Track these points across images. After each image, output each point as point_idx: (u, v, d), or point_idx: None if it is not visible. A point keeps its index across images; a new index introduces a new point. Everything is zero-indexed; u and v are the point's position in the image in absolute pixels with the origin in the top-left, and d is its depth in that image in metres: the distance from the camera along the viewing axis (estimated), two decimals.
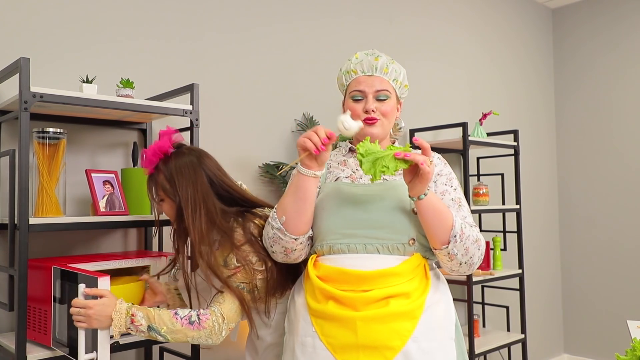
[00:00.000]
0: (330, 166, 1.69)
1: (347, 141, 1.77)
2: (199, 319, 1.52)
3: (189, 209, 1.55)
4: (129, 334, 1.54)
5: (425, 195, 1.41)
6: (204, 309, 1.56)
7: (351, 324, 1.39)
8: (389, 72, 1.63)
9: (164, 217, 1.93)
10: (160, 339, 1.51)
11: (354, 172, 1.63)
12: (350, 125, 1.47)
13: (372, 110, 1.58)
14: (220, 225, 1.56)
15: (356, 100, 1.62)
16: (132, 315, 1.49)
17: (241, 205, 1.67)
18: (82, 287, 1.49)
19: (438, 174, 1.61)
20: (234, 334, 1.84)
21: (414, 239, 1.48)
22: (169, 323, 1.50)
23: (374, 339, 1.38)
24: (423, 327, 1.41)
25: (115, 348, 1.71)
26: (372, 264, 1.45)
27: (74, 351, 1.51)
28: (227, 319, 1.55)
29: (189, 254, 1.66)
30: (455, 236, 1.42)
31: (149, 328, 1.50)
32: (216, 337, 1.54)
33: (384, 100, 1.61)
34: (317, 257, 1.55)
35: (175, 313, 1.52)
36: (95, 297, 1.48)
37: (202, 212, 1.56)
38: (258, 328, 1.71)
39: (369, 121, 1.59)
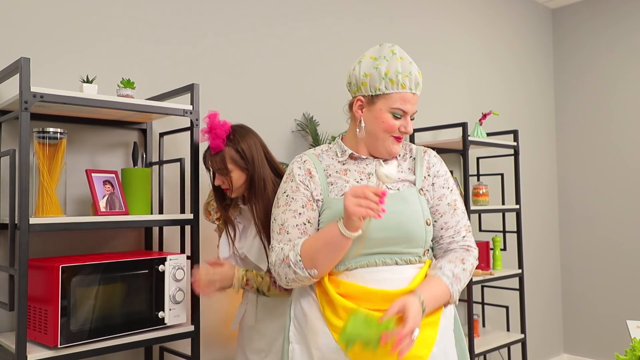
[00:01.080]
0: (330, 175, 1.57)
1: (341, 141, 1.64)
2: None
3: (261, 180, 1.90)
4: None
5: (424, 312, 1.39)
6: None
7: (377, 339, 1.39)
8: (421, 88, 1.58)
9: (165, 217, 1.94)
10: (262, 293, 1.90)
11: (358, 183, 1.55)
12: (393, 175, 1.39)
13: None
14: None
15: (396, 118, 1.53)
16: (247, 280, 1.88)
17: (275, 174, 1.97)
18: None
19: (436, 175, 1.59)
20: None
21: (428, 249, 1.54)
22: (270, 287, 1.89)
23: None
24: (441, 330, 1.48)
25: (116, 347, 1.73)
26: (392, 277, 1.46)
27: None
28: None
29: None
30: (455, 301, 1.51)
31: (257, 290, 1.90)
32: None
33: (413, 119, 1.58)
34: (331, 275, 1.51)
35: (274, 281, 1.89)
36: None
37: (269, 180, 1.91)
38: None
39: (398, 139, 1.56)
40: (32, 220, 1.60)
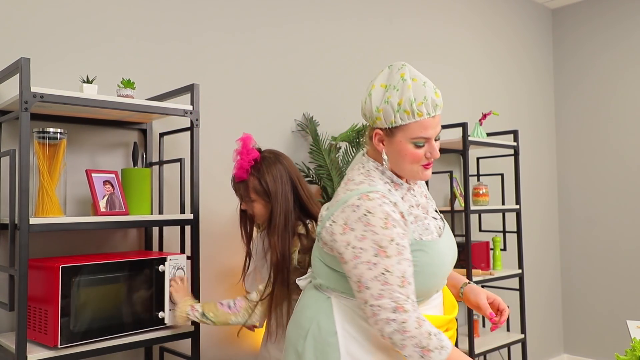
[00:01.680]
0: (411, 213, 1.47)
1: (388, 170, 1.51)
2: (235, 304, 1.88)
3: (282, 216, 1.85)
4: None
5: None
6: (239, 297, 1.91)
7: None
8: (442, 106, 1.49)
9: (165, 217, 1.93)
10: (209, 322, 1.86)
11: (433, 219, 1.55)
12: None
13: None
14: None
15: (419, 147, 1.45)
16: (192, 306, 1.87)
17: (303, 212, 1.92)
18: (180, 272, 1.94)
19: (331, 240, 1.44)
20: (261, 320, 1.95)
21: None
22: (214, 309, 1.87)
23: None
24: None
25: (116, 347, 1.74)
26: (439, 300, 1.57)
27: None
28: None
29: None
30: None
31: (202, 315, 1.86)
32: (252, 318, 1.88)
33: (439, 139, 1.50)
34: None
35: (220, 303, 1.88)
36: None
37: (291, 216, 1.86)
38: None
39: (427, 166, 1.48)
40: (32, 221, 1.60)
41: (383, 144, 1.48)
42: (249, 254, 2.02)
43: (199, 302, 1.91)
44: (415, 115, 1.42)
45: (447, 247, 1.50)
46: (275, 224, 1.84)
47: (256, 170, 1.88)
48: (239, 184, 1.91)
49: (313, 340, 1.47)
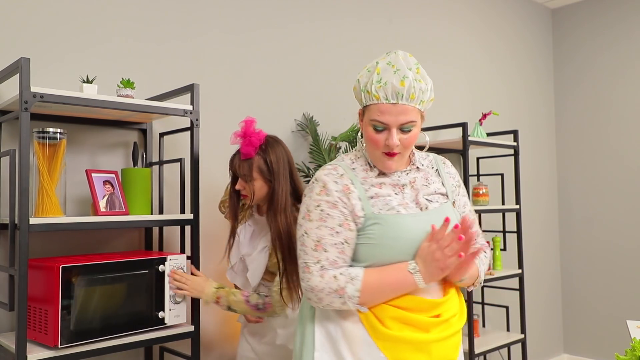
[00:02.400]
0: (369, 188, 1.49)
1: (367, 153, 1.54)
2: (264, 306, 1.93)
3: (283, 196, 1.91)
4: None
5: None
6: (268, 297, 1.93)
7: (426, 346, 1.43)
8: (415, 97, 1.45)
9: (165, 217, 1.93)
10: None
11: (397, 194, 1.50)
12: None
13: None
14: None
15: (378, 131, 1.45)
16: (218, 297, 1.93)
17: (296, 196, 1.98)
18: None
19: (459, 185, 1.61)
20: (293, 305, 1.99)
21: None
22: (243, 307, 1.93)
23: (443, 357, 1.46)
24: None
25: (116, 347, 1.73)
26: (434, 285, 1.49)
27: None
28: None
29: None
30: (481, 282, 1.59)
31: (228, 308, 1.94)
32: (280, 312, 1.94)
33: (409, 131, 1.46)
34: None
35: (247, 301, 1.93)
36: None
37: (289, 197, 1.92)
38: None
39: (389, 155, 1.47)
40: (32, 221, 1.60)
41: (362, 124, 1.53)
42: (234, 231, 2.04)
43: (221, 286, 1.97)
44: (373, 97, 1.44)
45: (413, 225, 1.45)
46: (278, 202, 1.90)
47: (261, 150, 1.94)
48: (244, 162, 1.93)
49: (300, 317, 1.60)
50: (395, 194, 1.50)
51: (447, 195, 1.56)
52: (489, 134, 3.39)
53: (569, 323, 4.34)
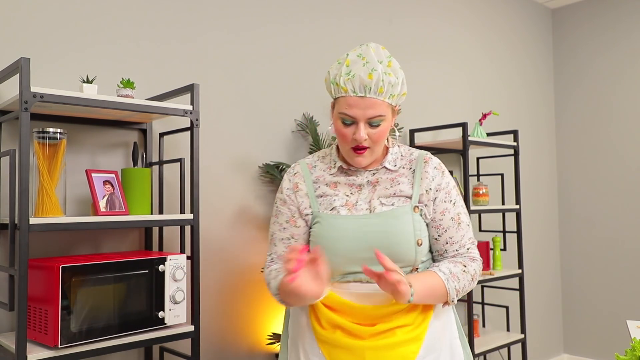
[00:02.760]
0: (319, 187, 1.52)
1: (335, 151, 1.57)
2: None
3: None
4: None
5: (412, 296, 1.35)
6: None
7: (360, 352, 1.39)
8: (384, 91, 1.41)
9: (165, 217, 1.93)
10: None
11: (348, 197, 1.49)
12: None
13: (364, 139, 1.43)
14: None
15: (346, 125, 1.44)
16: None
17: None
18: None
19: (437, 189, 1.49)
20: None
21: (417, 268, 1.47)
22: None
23: None
24: (427, 344, 1.43)
25: (116, 347, 1.74)
26: (377, 292, 1.41)
27: None
28: None
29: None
30: (452, 299, 1.45)
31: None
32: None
33: (378, 125, 1.43)
34: None
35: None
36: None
37: None
38: None
39: (357, 151, 1.45)
40: (32, 220, 1.60)
41: (333, 116, 1.51)
42: None
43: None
44: (341, 89, 1.43)
45: (348, 226, 1.42)
46: None
47: None
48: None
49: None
50: (349, 194, 1.49)
51: (410, 198, 1.47)
52: (489, 134, 3.39)
53: (569, 323, 4.34)
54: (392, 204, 1.46)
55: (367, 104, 1.41)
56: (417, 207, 1.46)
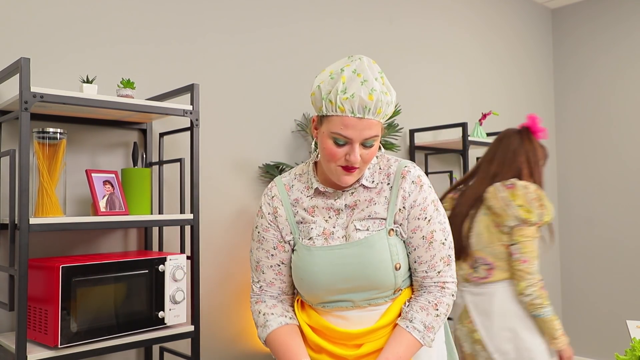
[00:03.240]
0: (297, 212, 1.45)
1: (312, 169, 1.47)
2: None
3: None
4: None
5: None
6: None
7: None
8: (382, 112, 1.33)
9: (165, 217, 1.93)
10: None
11: (327, 221, 1.43)
12: None
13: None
14: None
15: (339, 145, 1.33)
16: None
17: None
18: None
19: (412, 206, 1.41)
20: None
21: (400, 288, 1.44)
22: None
23: None
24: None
25: (116, 347, 1.73)
26: (361, 315, 1.42)
27: None
28: None
29: None
30: (430, 345, 1.42)
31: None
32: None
33: (371, 146, 1.35)
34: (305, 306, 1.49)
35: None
36: None
37: None
38: None
39: (348, 170, 1.36)
40: (32, 220, 1.60)
41: (316, 133, 1.40)
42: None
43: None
44: (337, 109, 1.31)
45: (319, 260, 1.39)
46: None
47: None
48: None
49: None
50: (327, 219, 1.43)
51: (385, 220, 1.40)
52: (489, 134, 3.39)
53: (568, 323, 4.34)
54: (367, 229, 1.40)
55: (364, 125, 1.32)
56: (392, 230, 1.40)
